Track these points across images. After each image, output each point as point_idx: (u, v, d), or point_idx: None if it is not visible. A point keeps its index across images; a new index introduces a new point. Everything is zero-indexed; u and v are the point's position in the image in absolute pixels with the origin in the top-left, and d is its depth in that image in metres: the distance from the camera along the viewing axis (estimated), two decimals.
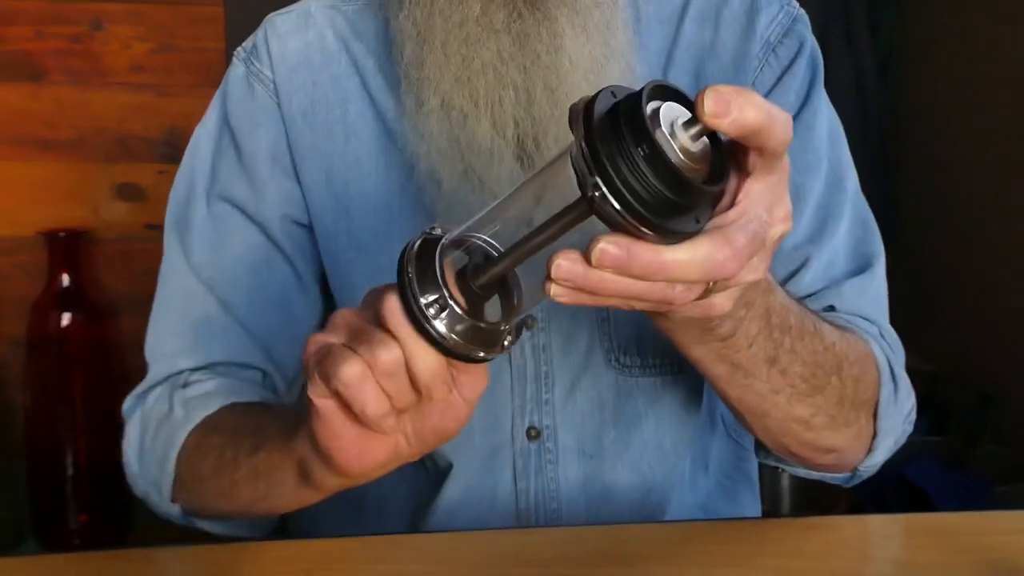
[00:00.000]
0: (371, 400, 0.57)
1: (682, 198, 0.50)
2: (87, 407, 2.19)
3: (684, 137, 0.50)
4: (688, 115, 0.50)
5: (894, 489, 2.01)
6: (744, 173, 0.55)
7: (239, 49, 0.99)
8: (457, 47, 0.84)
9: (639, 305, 0.56)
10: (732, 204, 0.55)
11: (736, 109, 0.49)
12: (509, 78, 0.84)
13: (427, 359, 0.57)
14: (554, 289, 0.53)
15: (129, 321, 2.30)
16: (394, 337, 0.56)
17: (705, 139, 0.50)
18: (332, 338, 0.60)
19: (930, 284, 2.48)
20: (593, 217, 0.51)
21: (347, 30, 0.97)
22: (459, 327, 0.56)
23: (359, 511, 0.98)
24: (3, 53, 2.26)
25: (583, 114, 0.51)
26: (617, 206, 0.50)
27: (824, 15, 2.58)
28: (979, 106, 2.38)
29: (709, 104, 0.49)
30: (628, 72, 0.87)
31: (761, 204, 0.55)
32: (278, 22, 0.99)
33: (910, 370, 0.90)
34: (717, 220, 0.54)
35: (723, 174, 0.52)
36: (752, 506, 1.05)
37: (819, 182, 0.92)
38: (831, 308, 0.90)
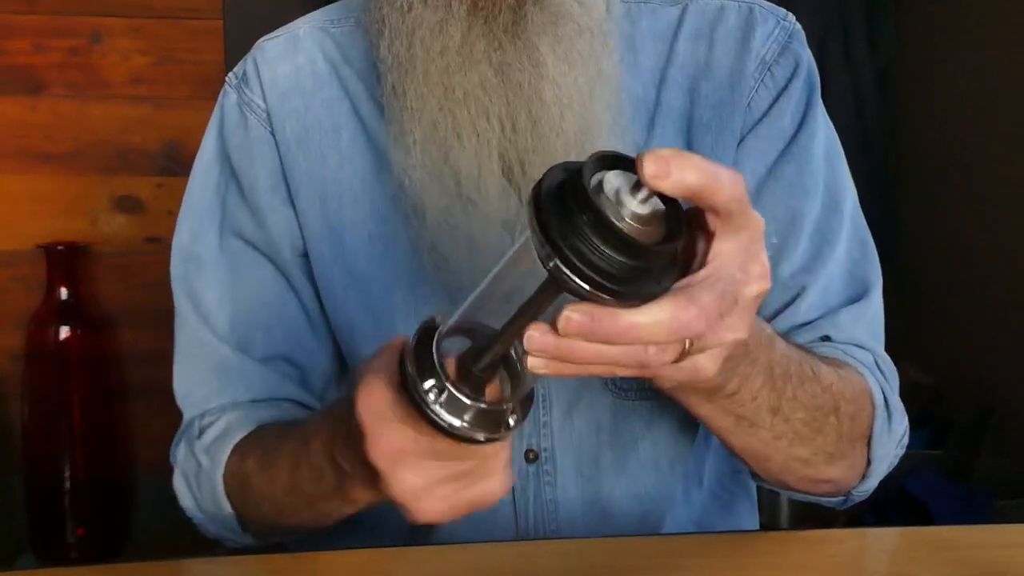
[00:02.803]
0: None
1: (637, 261, 0.51)
2: (85, 420, 2.18)
3: (632, 202, 0.50)
4: (635, 179, 0.51)
5: (894, 502, 2.01)
6: (709, 234, 0.56)
7: (230, 75, 0.98)
8: (438, 76, 0.83)
9: (620, 371, 0.56)
10: (703, 266, 0.56)
11: (676, 170, 0.50)
12: (493, 109, 0.83)
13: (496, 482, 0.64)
14: (531, 361, 0.54)
15: (128, 334, 2.30)
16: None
17: (657, 201, 0.51)
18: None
19: (930, 297, 2.48)
20: None
21: (336, 54, 0.96)
22: (465, 414, 0.58)
23: (355, 528, 0.97)
24: (2, 66, 2.27)
25: (533, 193, 0.52)
26: (574, 278, 0.51)
27: (823, 28, 2.59)
28: (978, 119, 2.39)
29: (649, 167, 0.50)
30: (614, 99, 0.86)
31: (733, 264, 0.55)
32: (267, 47, 0.98)
33: (911, 384, 0.90)
34: (685, 281, 0.55)
35: (679, 234, 0.52)
36: (750, 518, 1.05)
37: (816, 206, 0.91)
38: (827, 338, 0.90)
